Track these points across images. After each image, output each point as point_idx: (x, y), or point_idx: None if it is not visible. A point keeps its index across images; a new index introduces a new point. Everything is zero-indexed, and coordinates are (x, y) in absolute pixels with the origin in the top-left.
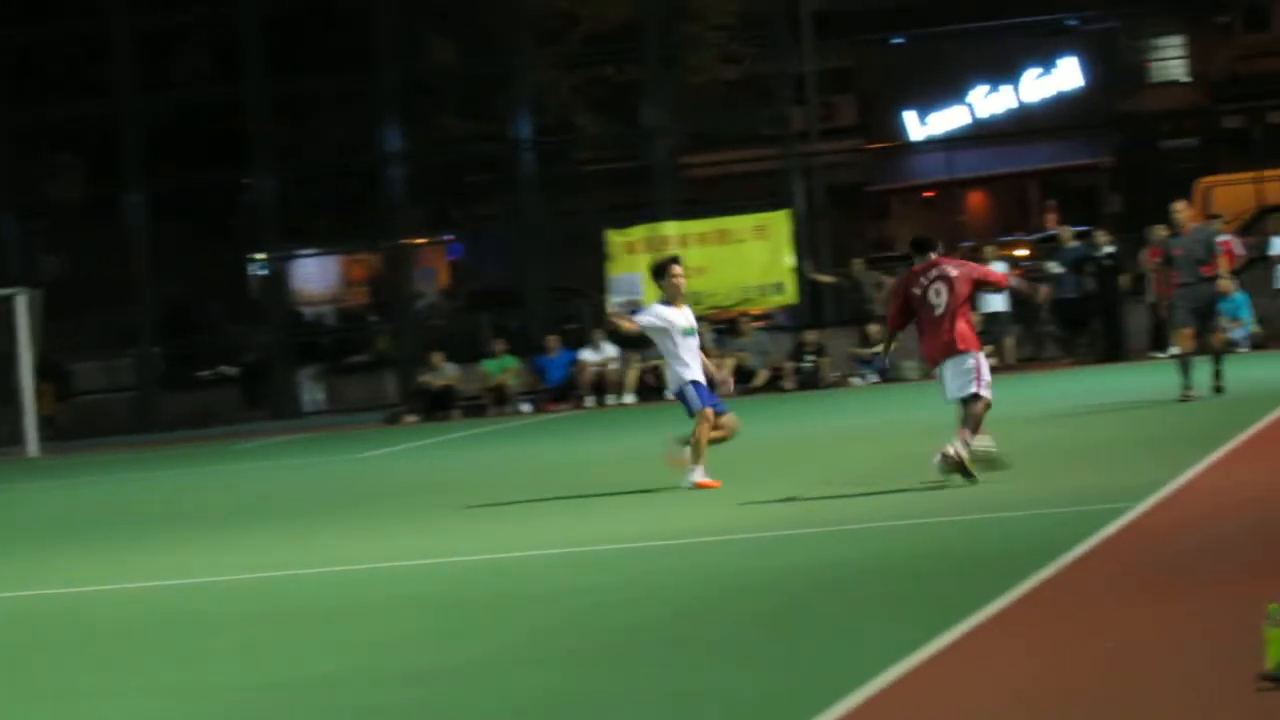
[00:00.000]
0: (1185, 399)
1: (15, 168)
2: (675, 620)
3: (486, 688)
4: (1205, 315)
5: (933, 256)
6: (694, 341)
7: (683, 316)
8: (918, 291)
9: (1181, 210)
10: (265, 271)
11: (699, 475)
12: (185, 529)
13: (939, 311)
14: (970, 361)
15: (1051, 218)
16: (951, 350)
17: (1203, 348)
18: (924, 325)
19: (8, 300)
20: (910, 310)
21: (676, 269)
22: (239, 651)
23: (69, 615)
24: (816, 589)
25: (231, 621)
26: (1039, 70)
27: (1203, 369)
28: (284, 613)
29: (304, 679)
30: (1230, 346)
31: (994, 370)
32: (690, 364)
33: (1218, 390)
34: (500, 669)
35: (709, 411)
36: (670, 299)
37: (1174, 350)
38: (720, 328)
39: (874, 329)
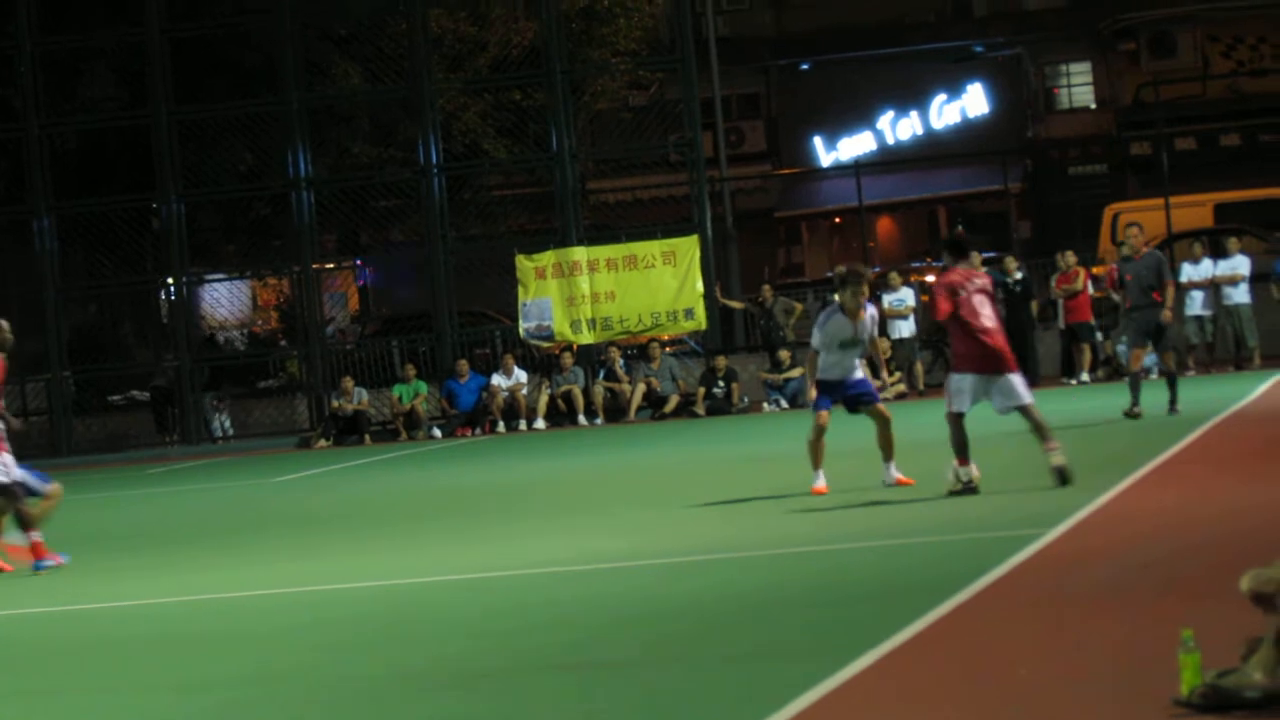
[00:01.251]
0: (1131, 415)
1: None
2: (569, 646)
3: (378, 715)
4: (1155, 337)
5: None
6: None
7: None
8: (963, 295)
9: (1135, 236)
10: (174, 296)
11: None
12: (82, 553)
13: (990, 324)
14: (1019, 378)
15: None
16: (1008, 366)
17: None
18: (970, 330)
19: None
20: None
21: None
22: (121, 682)
23: None
24: (720, 616)
25: (112, 647)
26: (946, 97)
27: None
28: (159, 639)
29: (180, 713)
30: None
31: (904, 396)
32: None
33: (1172, 412)
34: (392, 695)
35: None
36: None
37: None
38: (630, 353)
39: (785, 354)
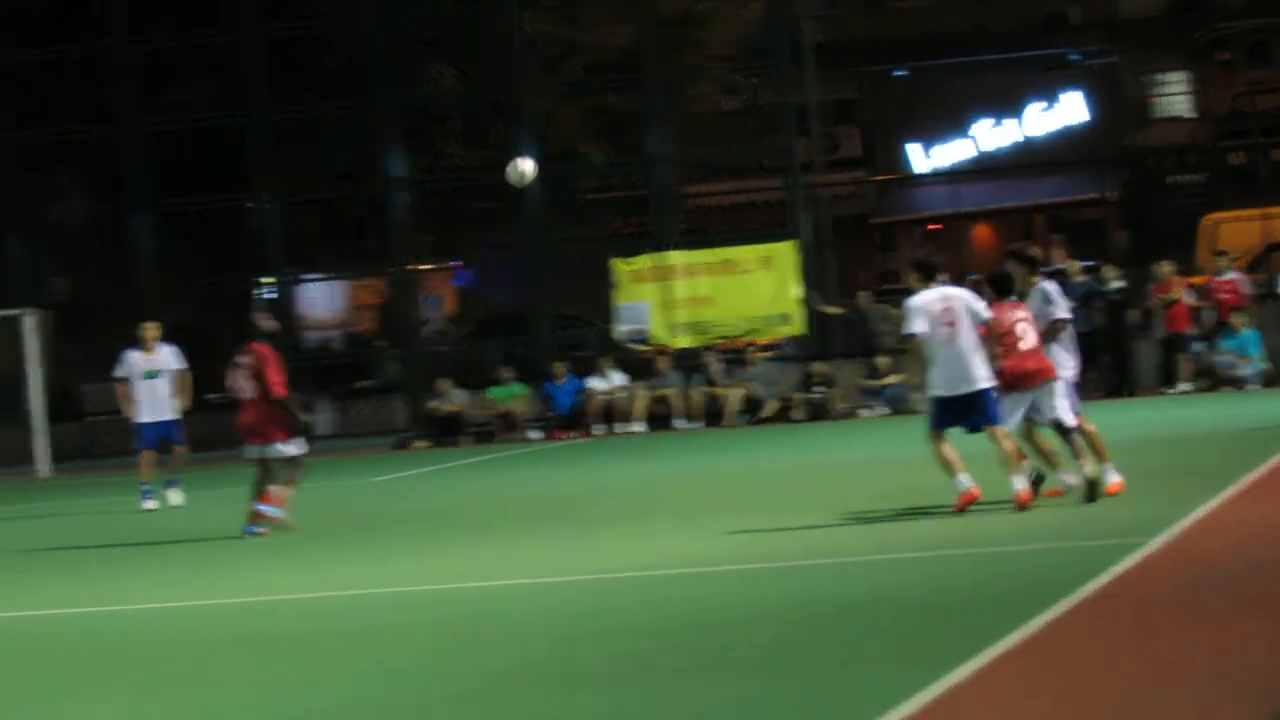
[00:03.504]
0: None
1: (21, 189)
2: (675, 649)
3: (475, 713)
4: None
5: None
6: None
7: None
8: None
9: None
10: (272, 296)
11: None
12: (183, 553)
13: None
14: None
15: (1059, 252)
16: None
17: None
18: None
19: (16, 321)
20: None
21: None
22: (241, 677)
23: (68, 635)
24: (820, 622)
25: (230, 644)
26: (1043, 104)
27: None
28: (276, 637)
29: (302, 708)
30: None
31: None
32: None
33: None
34: (490, 695)
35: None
36: None
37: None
38: (728, 358)
39: (882, 360)
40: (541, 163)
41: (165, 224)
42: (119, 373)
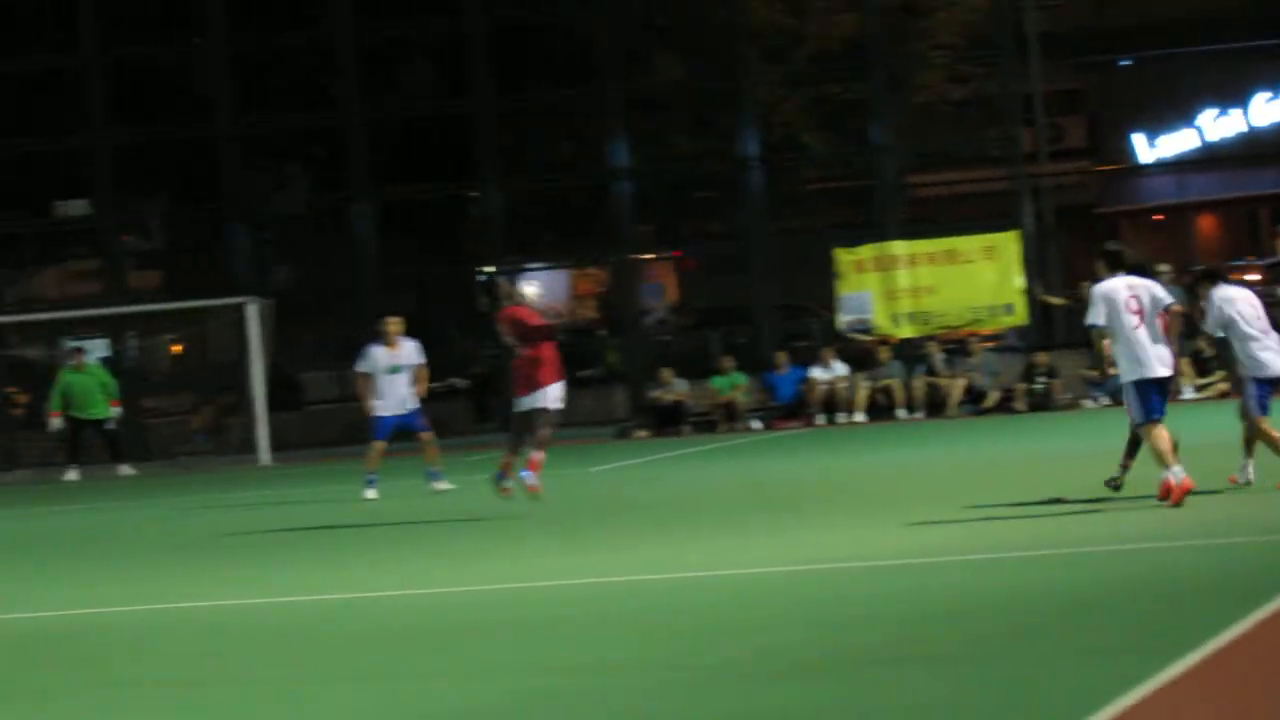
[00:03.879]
0: None
1: (245, 178)
2: (892, 640)
3: (686, 705)
4: None
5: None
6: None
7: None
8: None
9: None
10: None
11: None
12: (405, 540)
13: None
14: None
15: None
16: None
17: None
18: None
19: (239, 309)
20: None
21: None
22: (445, 667)
23: (265, 623)
24: (1045, 612)
25: (438, 634)
26: (1269, 94)
27: None
28: (485, 626)
29: (507, 698)
30: None
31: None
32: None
33: None
34: (702, 686)
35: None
36: None
37: None
38: (950, 348)
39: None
40: (764, 152)
41: (387, 212)
42: (362, 367)
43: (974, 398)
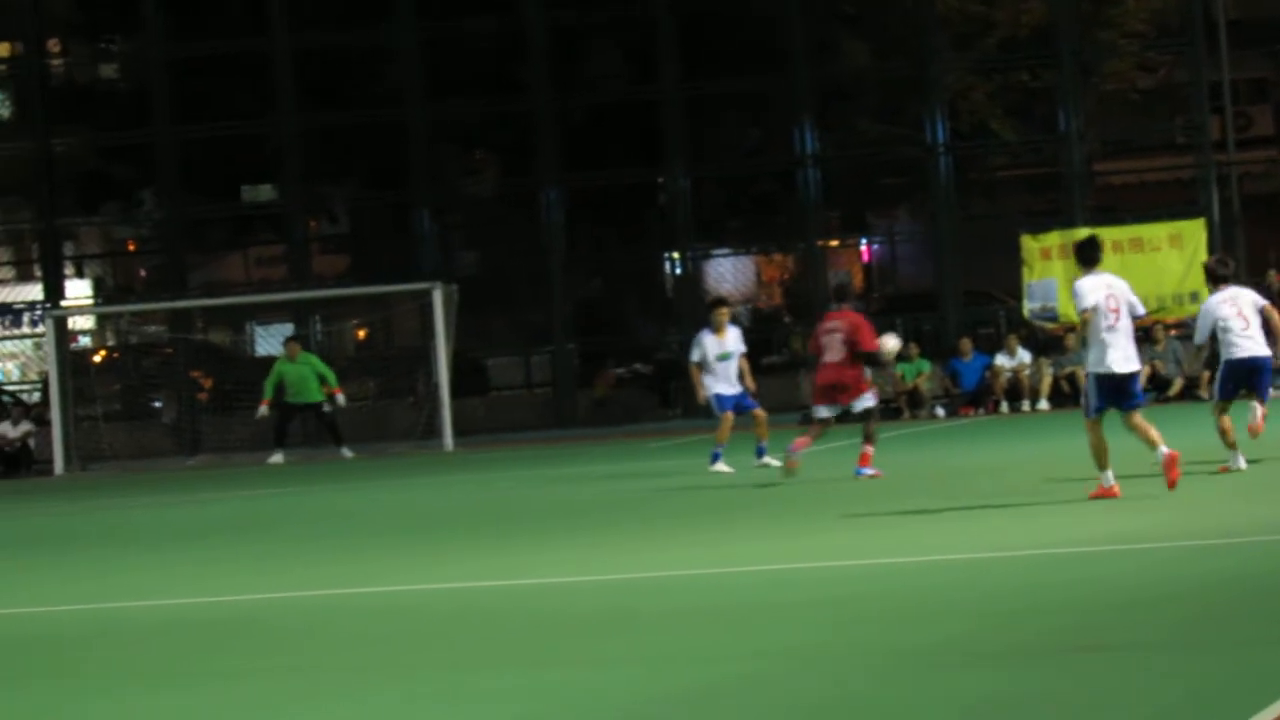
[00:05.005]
0: None
1: (433, 164)
2: (1077, 628)
3: (899, 692)
4: None
5: None
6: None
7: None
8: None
9: None
10: (679, 270)
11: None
12: (582, 525)
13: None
14: None
15: None
16: None
17: None
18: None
19: (425, 294)
20: None
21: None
22: (642, 653)
23: (460, 607)
24: (1232, 601)
25: (631, 619)
26: None
27: None
28: (695, 610)
29: (709, 680)
30: None
31: None
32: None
33: None
34: (893, 673)
35: None
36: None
37: None
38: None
39: None
40: (951, 139)
41: (574, 198)
42: (694, 356)
43: (1158, 385)
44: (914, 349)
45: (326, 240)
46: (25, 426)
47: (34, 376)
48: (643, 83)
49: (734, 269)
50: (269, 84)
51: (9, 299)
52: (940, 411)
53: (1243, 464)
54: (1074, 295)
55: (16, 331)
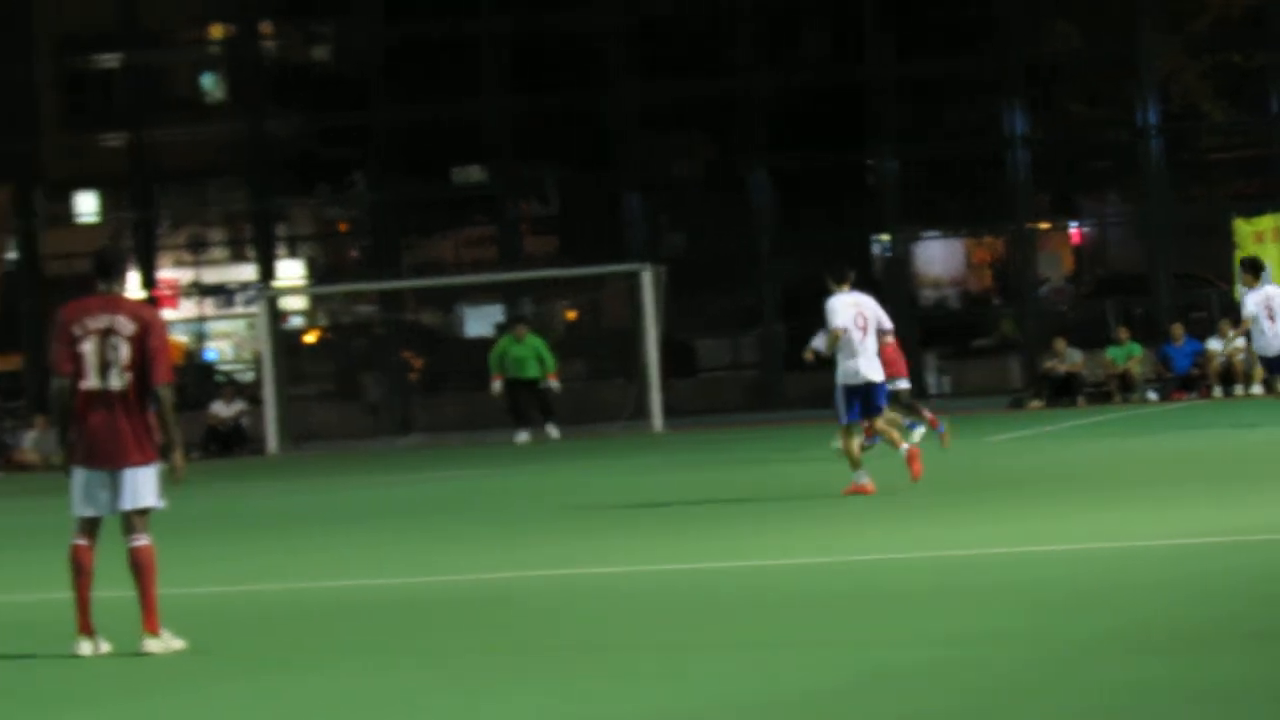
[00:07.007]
0: None
1: (642, 146)
2: (1272, 615)
3: (1091, 677)
4: None
5: None
6: None
7: None
8: None
9: None
10: (888, 253)
11: None
12: (789, 510)
13: None
14: None
15: None
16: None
17: None
18: None
19: (633, 276)
20: None
21: None
22: (838, 636)
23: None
24: None
25: (833, 601)
26: None
27: None
28: (878, 595)
29: (893, 667)
30: None
31: None
32: None
33: None
34: (1100, 659)
35: None
36: None
37: None
38: None
39: None
40: (1162, 121)
41: (783, 180)
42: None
43: None
44: (1124, 333)
45: (536, 221)
46: (238, 406)
47: (246, 356)
48: (852, 63)
49: (942, 251)
50: (480, 66)
51: (223, 279)
52: (1152, 395)
53: None
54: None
55: (229, 311)
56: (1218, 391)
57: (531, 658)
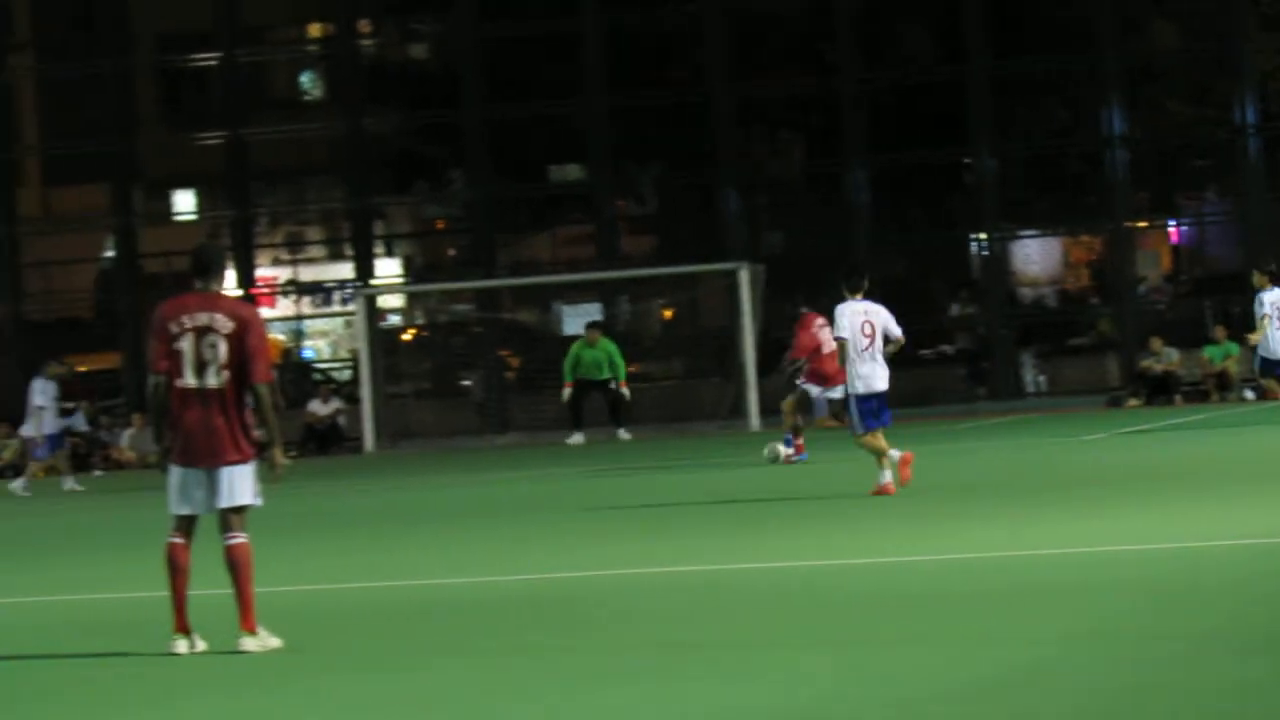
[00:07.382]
0: None
1: (739, 144)
2: None
3: (1204, 676)
4: None
5: None
6: None
7: None
8: None
9: None
10: (986, 252)
11: None
12: (858, 510)
13: None
14: None
15: None
16: None
17: None
18: None
19: (731, 274)
20: None
21: None
22: (922, 635)
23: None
24: None
25: (913, 602)
26: None
27: None
28: (965, 595)
29: (983, 670)
30: None
31: None
32: None
33: None
34: (1195, 659)
35: None
36: None
37: None
38: None
39: None
40: (1261, 120)
41: (880, 179)
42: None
43: None
44: (1222, 332)
45: (633, 220)
46: (335, 404)
47: (344, 354)
48: (950, 62)
49: (1040, 250)
50: (578, 64)
51: (320, 277)
52: (1250, 394)
53: None
54: None
55: (327, 310)
56: None
57: (625, 654)
